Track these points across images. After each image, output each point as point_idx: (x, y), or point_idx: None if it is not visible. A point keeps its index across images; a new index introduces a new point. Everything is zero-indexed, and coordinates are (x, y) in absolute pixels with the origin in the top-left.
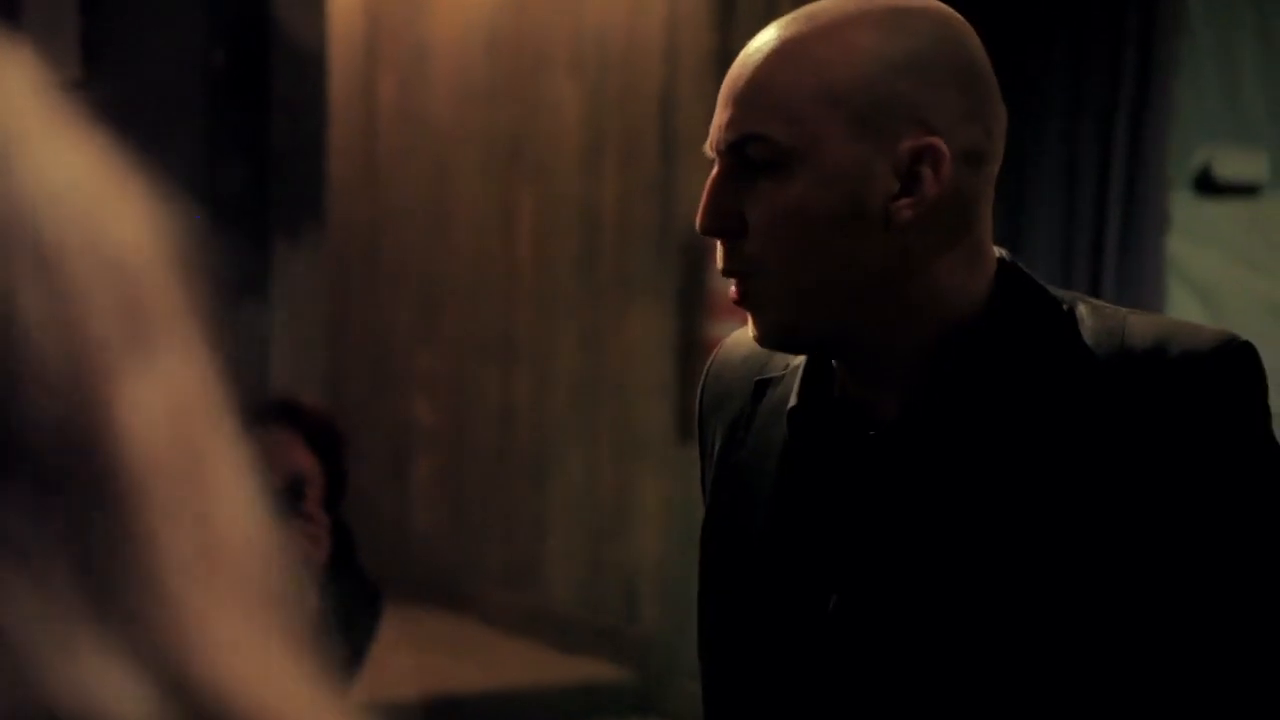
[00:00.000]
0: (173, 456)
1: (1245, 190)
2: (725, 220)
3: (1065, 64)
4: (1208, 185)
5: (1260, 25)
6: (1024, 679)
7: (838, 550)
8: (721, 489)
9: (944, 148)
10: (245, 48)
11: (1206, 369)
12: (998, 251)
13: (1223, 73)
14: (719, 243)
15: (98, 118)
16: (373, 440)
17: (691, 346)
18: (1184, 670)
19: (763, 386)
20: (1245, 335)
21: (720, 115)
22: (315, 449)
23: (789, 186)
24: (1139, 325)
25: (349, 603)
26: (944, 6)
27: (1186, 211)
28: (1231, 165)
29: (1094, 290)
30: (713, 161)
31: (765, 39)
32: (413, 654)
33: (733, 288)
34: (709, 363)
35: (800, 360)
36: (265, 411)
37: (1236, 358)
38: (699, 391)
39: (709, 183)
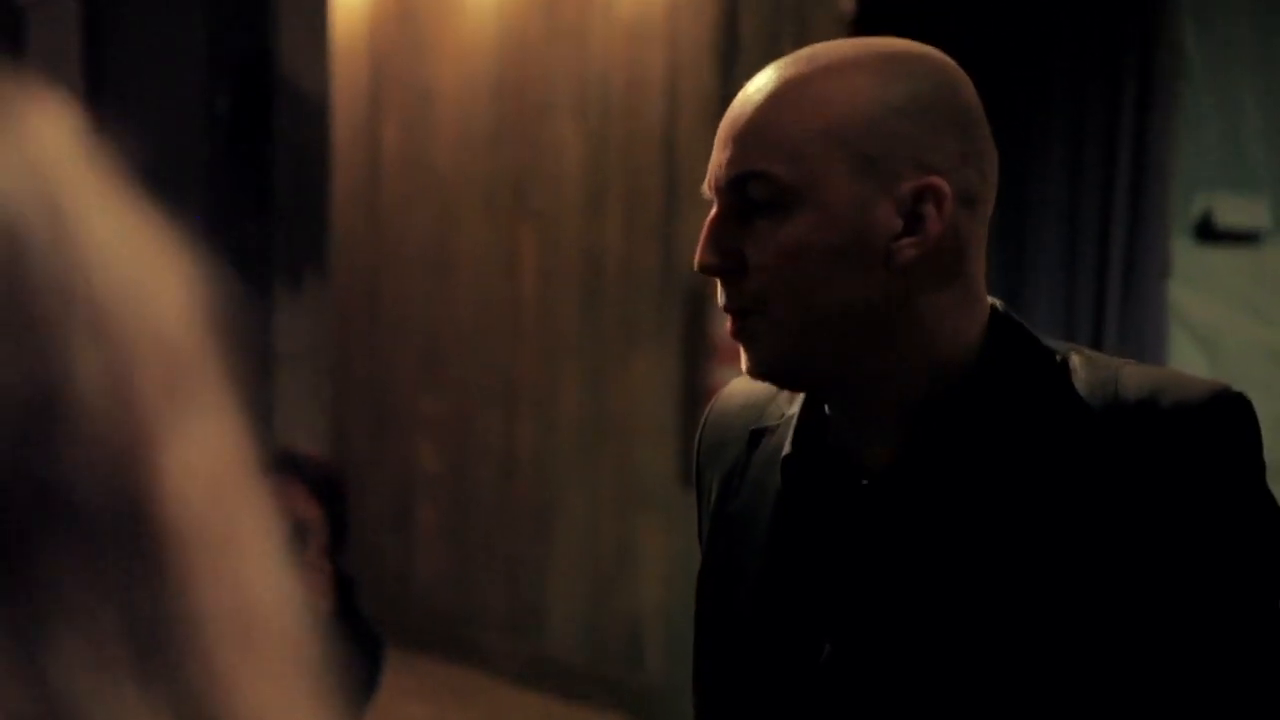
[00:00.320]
0: (211, 517)
1: (1246, 237)
2: (725, 259)
3: (1065, 112)
4: (1208, 233)
5: (1261, 74)
6: None
7: (831, 599)
8: (717, 538)
9: (946, 188)
10: (249, 94)
11: (1199, 421)
12: (991, 301)
13: (1223, 121)
14: (719, 280)
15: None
16: (375, 486)
17: (694, 392)
18: None
19: (758, 436)
20: (1246, 382)
21: (719, 154)
22: (318, 498)
23: (790, 225)
24: (1132, 377)
25: (351, 651)
26: (939, 52)
27: (1187, 259)
28: (1232, 213)
29: (1096, 337)
30: (711, 202)
31: (765, 79)
32: (415, 703)
33: (729, 322)
34: (706, 411)
35: (795, 410)
36: (268, 461)
37: (1230, 409)
38: (696, 440)
39: (708, 222)
